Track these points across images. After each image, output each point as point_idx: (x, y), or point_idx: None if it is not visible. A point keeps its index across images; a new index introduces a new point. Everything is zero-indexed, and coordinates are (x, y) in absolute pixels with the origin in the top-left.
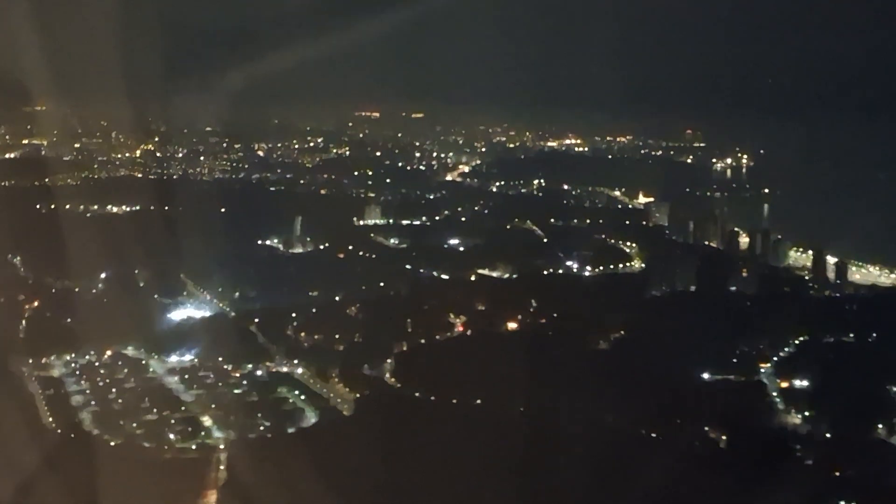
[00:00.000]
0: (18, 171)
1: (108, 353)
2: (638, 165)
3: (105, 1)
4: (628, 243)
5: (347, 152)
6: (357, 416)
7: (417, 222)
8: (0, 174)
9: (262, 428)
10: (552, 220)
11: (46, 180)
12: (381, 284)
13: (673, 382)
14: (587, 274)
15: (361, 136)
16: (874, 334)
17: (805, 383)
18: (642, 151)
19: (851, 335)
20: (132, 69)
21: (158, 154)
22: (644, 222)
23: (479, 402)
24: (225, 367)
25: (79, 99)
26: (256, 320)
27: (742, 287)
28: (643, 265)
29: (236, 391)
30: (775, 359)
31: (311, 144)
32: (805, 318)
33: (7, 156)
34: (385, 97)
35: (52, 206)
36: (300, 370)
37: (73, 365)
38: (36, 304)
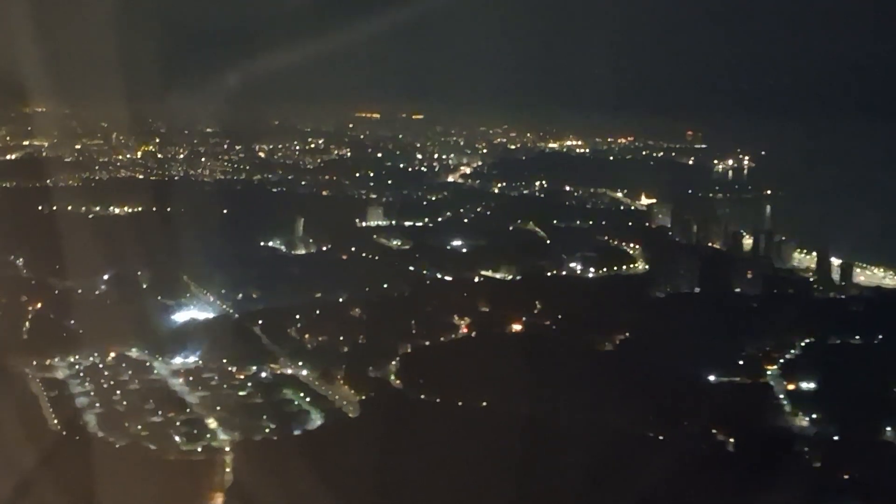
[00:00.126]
0: (19, 172)
1: (112, 354)
2: (639, 167)
3: (105, 2)
4: (631, 245)
5: (348, 153)
6: (363, 419)
7: (420, 224)
8: (1, 175)
9: (267, 430)
10: (554, 221)
11: (48, 181)
12: (385, 286)
13: (679, 384)
14: (591, 275)
15: (362, 137)
16: (880, 336)
17: (812, 385)
18: (643, 153)
19: (857, 337)
20: (132, 70)
21: (159, 155)
22: (646, 223)
23: (484, 404)
24: (229, 368)
25: (79, 100)
26: (260, 322)
27: (746, 288)
28: (647, 266)
29: (241, 393)
30: (781, 361)
31: (312, 145)
32: (810, 320)
33: (8, 157)
34: (385, 98)
35: (54, 208)
36: (304, 372)
37: (76, 366)
38: (39, 305)
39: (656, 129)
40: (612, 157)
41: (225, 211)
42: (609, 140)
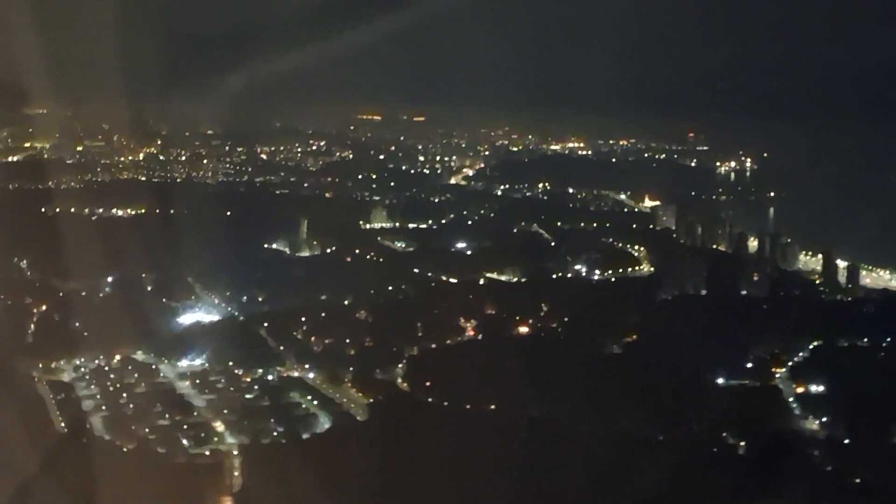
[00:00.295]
0: (21, 174)
1: (118, 357)
2: (641, 168)
3: (107, 4)
4: (636, 247)
5: (350, 155)
6: (372, 422)
7: (424, 225)
8: (3, 177)
9: (275, 433)
10: (558, 223)
11: (50, 183)
12: (390, 288)
13: (688, 387)
14: (596, 277)
15: (363, 139)
16: (888, 338)
17: (821, 388)
18: (645, 154)
19: (865, 339)
20: (133, 72)
21: (161, 157)
22: (651, 225)
23: (493, 407)
24: (235, 371)
25: (80, 102)
26: (266, 324)
27: (753, 291)
28: (652, 269)
29: (248, 396)
30: (790, 363)
31: (314, 147)
32: (818, 323)
33: (10, 159)
34: (386, 100)
35: (57, 210)
36: (311, 375)
37: (82, 369)
38: (44, 307)
39: (658, 131)
40: (614, 159)
41: (228, 213)
42: (611, 142)
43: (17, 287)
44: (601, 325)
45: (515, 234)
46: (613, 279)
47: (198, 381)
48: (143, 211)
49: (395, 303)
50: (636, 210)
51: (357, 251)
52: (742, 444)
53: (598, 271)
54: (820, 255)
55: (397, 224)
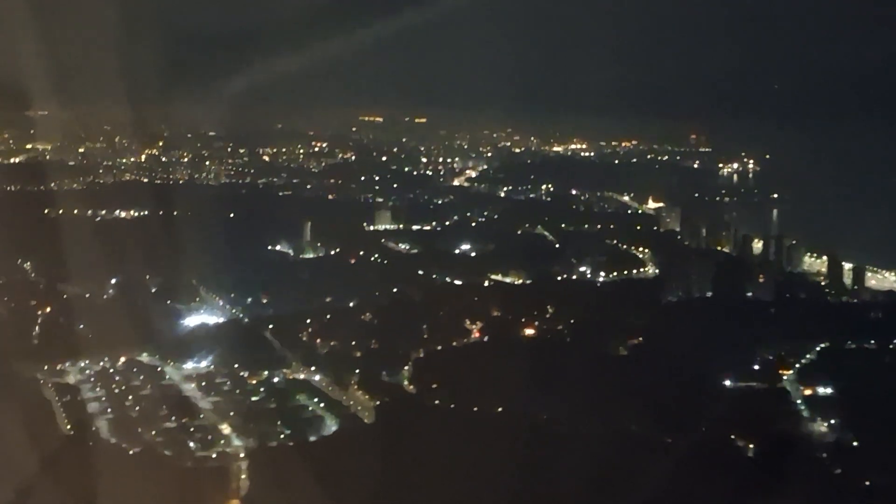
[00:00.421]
0: (24, 176)
1: (123, 359)
2: (644, 170)
3: (109, 5)
4: (641, 249)
5: (353, 157)
6: (378, 424)
7: (427, 227)
8: (5, 179)
9: (282, 436)
10: (563, 225)
11: (52, 185)
12: (395, 290)
13: (695, 389)
14: (601, 279)
15: (366, 140)
16: (895, 340)
17: (829, 390)
18: (648, 156)
19: (872, 341)
20: (135, 73)
21: (163, 159)
22: (655, 227)
23: (500, 409)
24: (241, 373)
25: (82, 104)
26: (271, 326)
27: (759, 293)
28: (657, 271)
29: (254, 398)
30: (797, 365)
31: (316, 149)
32: (825, 325)
33: (12, 160)
34: (387, 101)
35: (60, 211)
36: (317, 377)
37: (87, 371)
38: (48, 309)
39: (660, 133)
40: (616, 161)
41: (231, 215)
42: (613, 143)
43: (22, 289)
44: (607, 327)
45: (519, 236)
46: (618, 281)
47: (203, 384)
48: (145, 213)
49: (400, 305)
50: (640, 212)
51: (361, 253)
52: (750, 446)
53: (602, 273)
54: (825, 257)
55: (401, 226)
